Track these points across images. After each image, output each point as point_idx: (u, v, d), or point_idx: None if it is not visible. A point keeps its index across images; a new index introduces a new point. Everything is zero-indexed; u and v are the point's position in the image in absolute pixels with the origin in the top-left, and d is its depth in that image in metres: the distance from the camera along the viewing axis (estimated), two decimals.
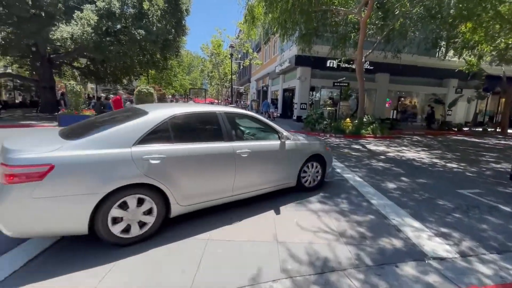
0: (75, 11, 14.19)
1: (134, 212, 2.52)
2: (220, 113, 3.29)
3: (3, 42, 15.38)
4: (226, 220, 3.25)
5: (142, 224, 2.63)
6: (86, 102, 13.68)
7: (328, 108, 13.47)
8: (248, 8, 11.80)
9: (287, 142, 3.79)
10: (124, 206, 2.48)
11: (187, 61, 45.02)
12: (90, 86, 35.81)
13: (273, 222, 3.25)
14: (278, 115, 23.39)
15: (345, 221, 3.38)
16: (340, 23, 13.10)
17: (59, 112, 11.56)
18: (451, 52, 15.21)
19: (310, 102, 18.84)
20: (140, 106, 3.34)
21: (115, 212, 2.43)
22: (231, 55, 19.42)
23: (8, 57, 23.87)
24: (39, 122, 13.16)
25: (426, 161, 7.30)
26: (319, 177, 4.37)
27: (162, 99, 18.26)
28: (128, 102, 17.28)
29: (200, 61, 32.79)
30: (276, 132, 3.80)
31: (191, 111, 3.10)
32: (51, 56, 19.34)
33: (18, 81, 26.41)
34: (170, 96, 38.54)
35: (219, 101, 49.37)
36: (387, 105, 19.57)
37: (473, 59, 14.85)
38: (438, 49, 16.77)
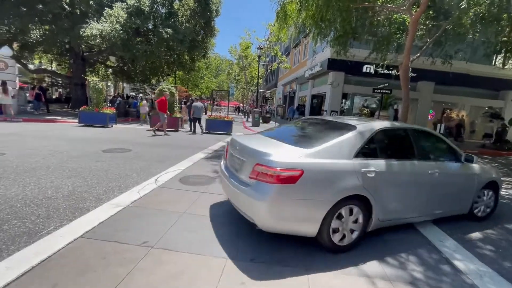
0: (105, 8, 14.18)
1: (347, 220, 2.65)
2: (410, 129, 3.35)
3: (41, 39, 15.89)
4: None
5: (351, 232, 2.72)
6: (108, 99, 13.42)
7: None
8: (280, 4, 10.82)
9: (471, 165, 3.61)
10: (340, 215, 2.61)
11: (214, 64, 45.15)
12: (123, 85, 37.03)
13: None
14: None
15: None
16: (383, 23, 11.63)
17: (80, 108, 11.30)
18: None
19: (340, 110, 17.32)
20: (335, 118, 3.64)
21: (336, 219, 2.58)
22: (259, 57, 18.55)
23: (49, 55, 25.20)
24: (63, 117, 13.18)
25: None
26: (491, 207, 3.94)
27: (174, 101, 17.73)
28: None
29: (228, 64, 32.43)
30: (456, 152, 3.61)
31: (388, 127, 3.19)
32: (85, 54, 19.79)
33: (53, 77, 27.62)
34: (184, 98, 38.75)
35: (244, 105, 48.90)
36: (429, 117, 17.44)
37: None
38: (495, 56, 14.58)
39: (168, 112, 10.55)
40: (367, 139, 2.80)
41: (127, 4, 14.42)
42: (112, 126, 11.72)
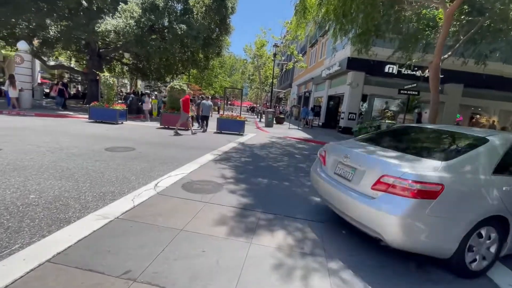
0: (120, 3, 14.01)
1: (483, 243, 2.44)
2: None
3: (58, 35, 15.96)
4: None
5: (483, 257, 2.49)
6: (119, 95, 13.19)
7: (387, 121, 11.09)
8: None
9: None
10: (478, 236, 2.41)
11: (229, 63, 44.89)
12: (137, 82, 37.41)
13: None
14: (320, 124, 21.18)
15: None
16: (411, 18, 10.72)
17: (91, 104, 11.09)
18: None
19: (359, 112, 16.40)
20: (446, 127, 3.46)
21: (473, 240, 2.37)
22: (275, 55, 17.91)
23: (68, 52, 25.71)
24: (76, 113, 13.09)
25: None
26: None
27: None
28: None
29: (242, 63, 31.97)
30: None
31: None
32: (101, 50, 19.88)
33: (71, 73, 28.09)
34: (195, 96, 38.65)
35: (258, 105, 48.36)
36: (456, 121, 16.19)
37: None
38: None
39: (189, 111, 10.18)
40: (504, 153, 2.54)
41: None
42: (122, 123, 11.46)
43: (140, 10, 13.82)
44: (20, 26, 15.85)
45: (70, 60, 29.04)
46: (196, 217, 3.02)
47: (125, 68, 26.91)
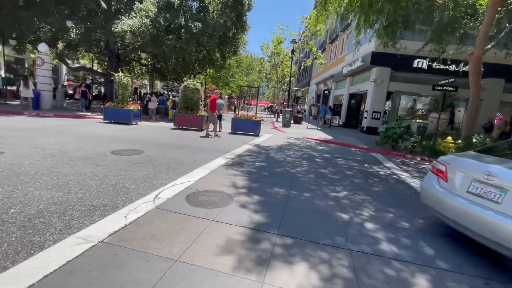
0: (136, 2, 13.92)
1: None
2: None
3: (79, 37, 16.24)
4: None
5: None
6: (136, 95, 13.06)
7: (418, 121, 10.06)
8: None
9: None
10: None
11: (246, 62, 44.44)
12: (152, 83, 37.94)
13: None
14: (340, 123, 20.13)
15: None
16: (447, 5, 9.60)
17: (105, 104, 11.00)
18: None
19: (384, 111, 15.26)
20: None
21: None
22: (292, 51, 17.13)
23: (91, 54, 26.47)
24: (94, 114, 13.14)
25: None
26: None
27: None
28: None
29: (259, 62, 31.35)
30: None
31: None
32: (119, 51, 20.10)
33: (92, 75, 28.83)
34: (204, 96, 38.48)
35: (275, 104, 47.66)
36: (496, 121, 14.60)
37: None
38: None
39: (216, 112, 9.68)
40: None
41: None
42: (136, 123, 11.29)
43: (155, 9, 13.64)
44: (43, 30, 16.30)
45: (93, 62, 29.90)
46: (196, 241, 2.47)
47: (144, 69, 27.26)
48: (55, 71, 34.97)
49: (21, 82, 12.09)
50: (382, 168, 6.57)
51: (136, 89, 17.15)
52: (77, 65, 23.88)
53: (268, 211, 3.30)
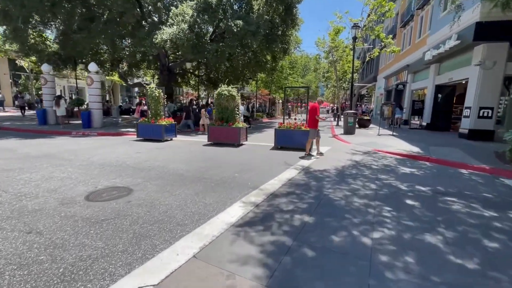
0: (171, 7, 13.06)
1: None
2: None
3: (126, 53, 16.57)
4: None
5: None
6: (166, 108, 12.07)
7: None
8: None
9: None
10: None
11: (301, 63, 41.47)
12: (199, 93, 38.50)
13: None
14: (422, 125, 15.58)
15: None
16: None
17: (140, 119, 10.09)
18: None
19: (498, 106, 10.59)
20: None
21: None
22: (355, 39, 13.76)
23: (151, 70, 28.06)
24: (131, 129, 12.59)
25: None
26: None
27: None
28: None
29: (315, 59, 28.17)
30: None
31: None
32: (170, 64, 20.15)
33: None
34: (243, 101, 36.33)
35: (334, 105, 43.31)
36: None
37: None
38: None
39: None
40: None
41: (194, 0, 12.94)
42: (171, 139, 10.07)
43: (192, 11, 12.50)
44: (101, 51, 17.19)
45: (153, 78, 31.81)
46: None
47: (197, 80, 27.38)
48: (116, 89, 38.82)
49: (54, 101, 12.72)
50: None
51: (191, 100, 16.49)
52: (135, 81, 25.19)
53: None
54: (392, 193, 4.33)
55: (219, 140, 8.99)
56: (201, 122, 13.10)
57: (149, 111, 10.08)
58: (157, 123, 9.56)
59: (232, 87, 8.87)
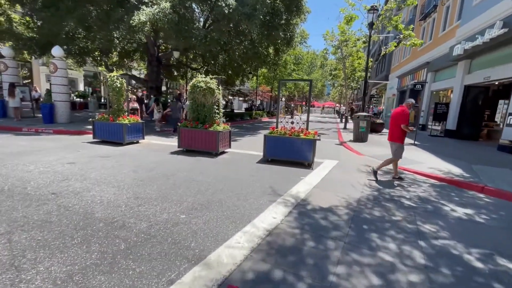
0: None
1: None
2: None
3: (102, 39, 14.33)
4: None
5: None
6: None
7: None
8: None
9: None
10: None
11: (306, 59, 39.02)
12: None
13: None
14: (443, 130, 13.34)
15: None
16: None
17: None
18: None
19: None
20: None
21: None
22: (371, 24, 11.45)
23: (143, 63, 25.99)
24: None
25: None
26: None
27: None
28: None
29: (322, 54, 25.85)
30: None
31: None
32: (159, 54, 18.07)
33: (134, 81, 27.76)
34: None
35: (341, 105, 41.04)
36: None
37: None
38: None
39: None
40: None
41: None
42: (137, 142, 8.02)
43: None
44: (78, 36, 15.08)
45: (145, 70, 29.67)
46: None
47: (193, 73, 25.25)
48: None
49: (7, 91, 10.69)
50: None
51: (180, 95, 14.51)
52: (121, 73, 23.06)
53: None
54: (459, 280, 2.19)
55: (193, 146, 6.89)
56: (154, 117, 11.21)
57: (109, 107, 7.99)
58: (117, 121, 7.48)
59: (211, 78, 6.73)
